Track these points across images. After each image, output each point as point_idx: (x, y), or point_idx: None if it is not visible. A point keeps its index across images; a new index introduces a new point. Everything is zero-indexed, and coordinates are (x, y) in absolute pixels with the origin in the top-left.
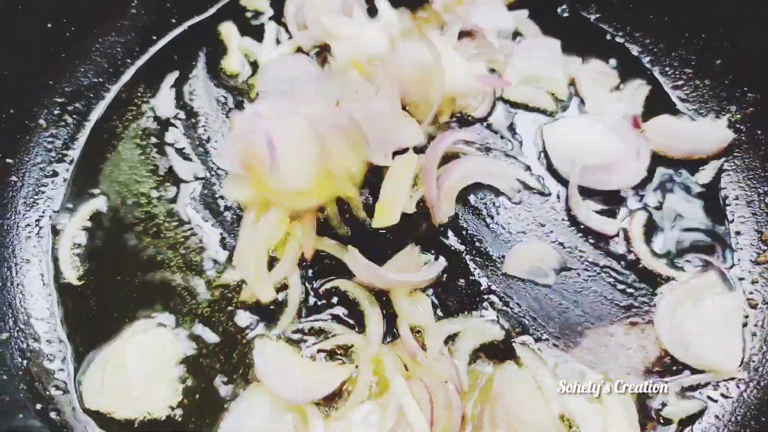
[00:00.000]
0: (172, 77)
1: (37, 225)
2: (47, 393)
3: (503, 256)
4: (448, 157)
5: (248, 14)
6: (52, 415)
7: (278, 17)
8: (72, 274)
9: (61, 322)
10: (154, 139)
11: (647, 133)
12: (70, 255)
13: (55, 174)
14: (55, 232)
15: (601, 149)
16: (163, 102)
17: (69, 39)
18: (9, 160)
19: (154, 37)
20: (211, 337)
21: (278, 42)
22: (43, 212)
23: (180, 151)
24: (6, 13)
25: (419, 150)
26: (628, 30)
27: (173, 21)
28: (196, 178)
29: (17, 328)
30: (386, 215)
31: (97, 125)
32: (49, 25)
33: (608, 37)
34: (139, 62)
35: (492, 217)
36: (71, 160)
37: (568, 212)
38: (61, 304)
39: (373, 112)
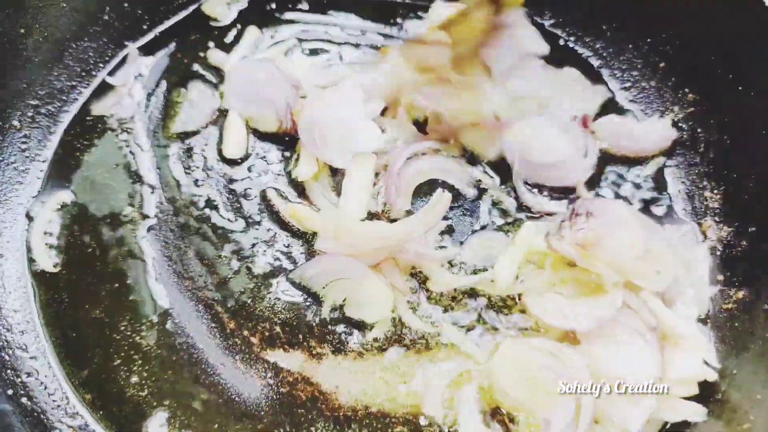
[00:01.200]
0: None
1: (11, 221)
2: (19, 380)
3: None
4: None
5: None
6: (23, 400)
7: (242, 23)
8: (46, 265)
9: (36, 312)
10: (124, 138)
11: (596, 133)
12: (43, 247)
13: (28, 172)
14: (29, 226)
15: (552, 148)
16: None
17: (42, 44)
18: None
19: (126, 43)
20: None
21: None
22: (16, 209)
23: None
24: None
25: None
26: (580, 35)
27: (144, 27)
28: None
29: None
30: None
31: (70, 126)
32: (22, 31)
33: (561, 42)
34: (110, 66)
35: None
36: (44, 160)
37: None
38: (35, 296)
39: (334, 117)
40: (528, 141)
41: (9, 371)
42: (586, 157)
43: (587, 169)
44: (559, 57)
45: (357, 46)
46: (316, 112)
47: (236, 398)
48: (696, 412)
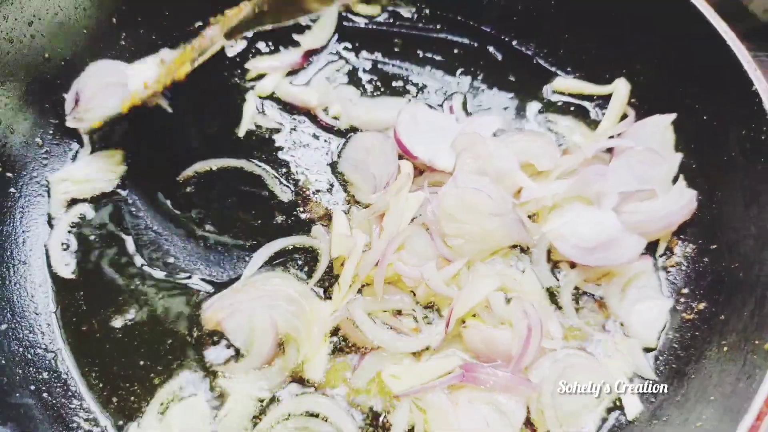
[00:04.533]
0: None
1: (34, 230)
2: (40, 377)
3: None
4: None
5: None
6: (44, 395)
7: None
8: (64, 272)
9: (56, 315)
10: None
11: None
12: (62, 254)
13: (50, 185)
14: (49, 235)
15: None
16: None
17: (64, 68)
18: (9, 174)
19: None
20: None
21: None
22: (38, 219)
23: None
24: (8, 48)
25: None
26: (563, 65)
27: (159, 44)
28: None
29: (14, 320)
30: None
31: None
32: (47, 55)
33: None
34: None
35: None
36: (65, 179)
37: None
38: (55, 300)
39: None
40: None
41: (32, 369)
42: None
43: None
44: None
45: None
46: None
47: None
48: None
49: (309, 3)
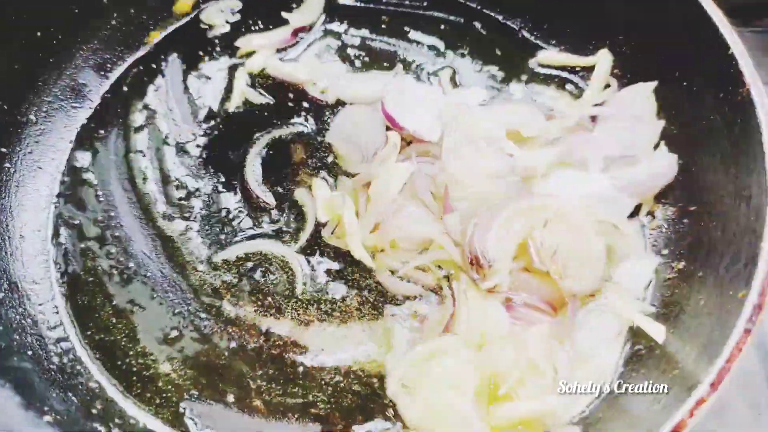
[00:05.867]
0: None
1: (27, 204)
2: (38, 342)
3: None
4: None
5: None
6: (43, 361)
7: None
8: (63, 243)
9: (56, 283)
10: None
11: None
12: (60, 226)
13: (44, 162)
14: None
15: None
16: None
17: (56, 45)
18: (3, 149)
19: (137, 44)
20: None
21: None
22: (32, 193)
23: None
24: (3, 25)
25: None
26: (548, 38)
27: (151, 27)
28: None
29: (11, 290)
30: None
31: (84, 122)
32: (39, 34)
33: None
34: (119, 69)
35: None
36: (57, 151)
37: None
38: (54, 270)
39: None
40: None
41: (28, 335)
42: None
43: None
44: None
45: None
46: None
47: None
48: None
49: None
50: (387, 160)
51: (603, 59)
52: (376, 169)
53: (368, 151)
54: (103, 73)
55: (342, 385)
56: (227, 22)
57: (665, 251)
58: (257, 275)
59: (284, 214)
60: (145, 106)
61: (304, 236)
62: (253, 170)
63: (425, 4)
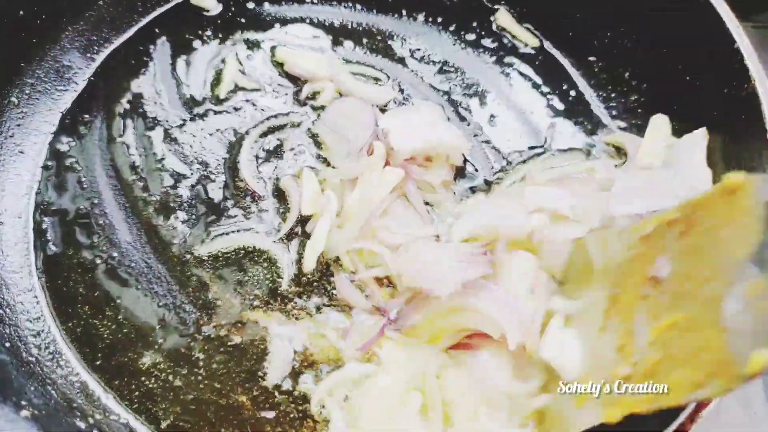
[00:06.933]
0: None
1: (8, 190)
2: (16, 334)
3: None
4: None
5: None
6: (21, 353)
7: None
8: (45, 231)
9: (37, 272)
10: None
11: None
12: (42, 213)
13: (26, 145)
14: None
15: None
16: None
17: (40, 26)
18: None
19: (125, 26)
20: None
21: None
22: (13, 179)
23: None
24: None
25: None
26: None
27: (140, 8)
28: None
29: None
30: None
31: (68, 105)
32: (21, 13)
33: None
34: (106, 51)
35: None
36: (40, 135)
37: None
38: (34, 258)
39: None
40: None
41: (6, 327)
42: None
43: None
44: None
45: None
46: None
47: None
48: None
49: None
50: (372, 168)
51: (659, 125)
52: (359, 168)
53: (354, 147)
54: (89, 55)
55: None
56: (218, 1)
57: None
58: (244, 266)
59: (273, 204)
60: (132, 91)
61: (286, 227)
62: (244, 158)
63: None
